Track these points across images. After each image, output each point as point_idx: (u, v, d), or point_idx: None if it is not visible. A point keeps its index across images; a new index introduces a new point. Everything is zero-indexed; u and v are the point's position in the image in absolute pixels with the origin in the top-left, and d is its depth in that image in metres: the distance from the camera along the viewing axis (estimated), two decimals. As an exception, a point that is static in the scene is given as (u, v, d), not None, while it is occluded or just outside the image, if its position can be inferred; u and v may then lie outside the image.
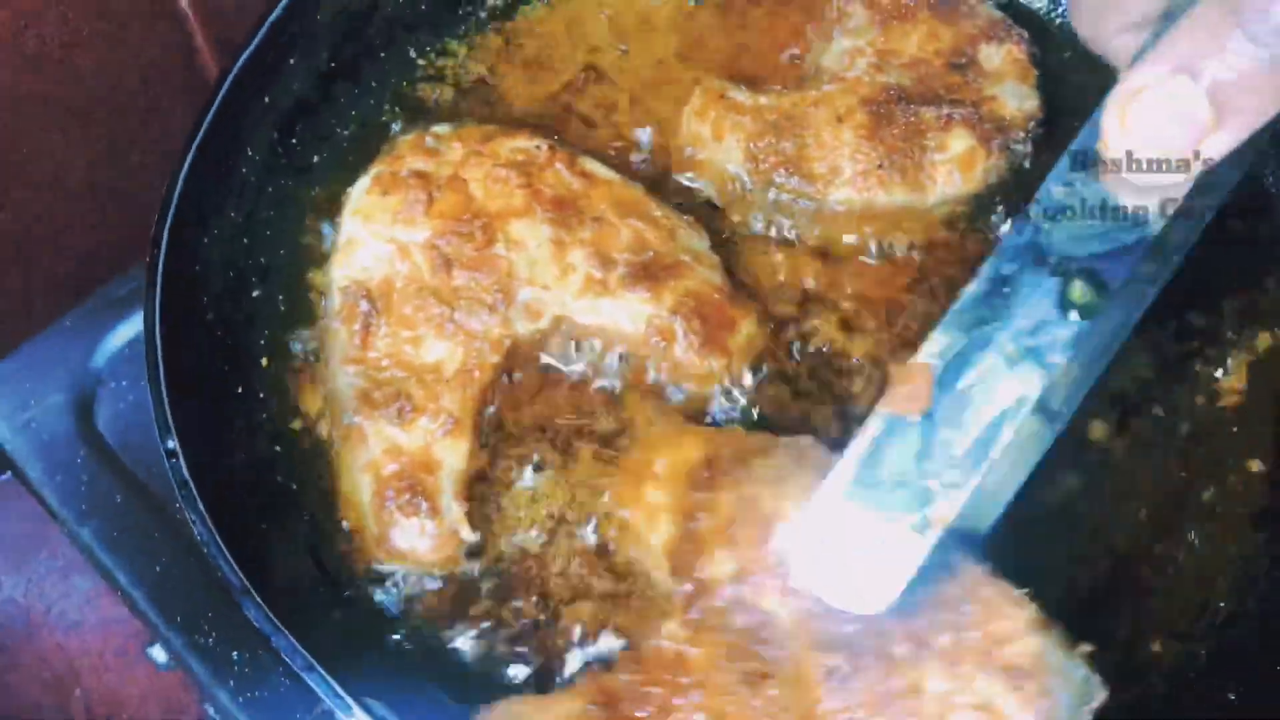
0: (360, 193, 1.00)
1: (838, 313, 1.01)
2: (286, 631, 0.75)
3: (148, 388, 0.85)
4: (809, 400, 0.97)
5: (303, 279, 1.02)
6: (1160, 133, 0.60)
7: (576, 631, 0.88)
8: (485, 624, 0.89)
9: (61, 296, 1.23)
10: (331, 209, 1.05)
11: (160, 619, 0.98)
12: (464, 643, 0.88)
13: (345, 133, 1.11)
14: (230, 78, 0.98)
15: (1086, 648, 0.74)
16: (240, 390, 0.96)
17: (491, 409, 0.95)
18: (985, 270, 0.69)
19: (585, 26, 1.17)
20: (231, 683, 0.95)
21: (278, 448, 0.95)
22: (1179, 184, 0.64)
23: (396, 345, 0.94)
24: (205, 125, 0.95)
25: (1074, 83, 1.10)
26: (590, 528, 0.92)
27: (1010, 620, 0.74)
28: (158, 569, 1.00)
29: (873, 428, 0.72)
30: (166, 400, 0.84)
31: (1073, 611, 0.88)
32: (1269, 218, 1.05)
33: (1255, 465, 0.96)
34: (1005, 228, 1.04)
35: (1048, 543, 0.92)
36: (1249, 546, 0.93)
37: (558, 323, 0.96)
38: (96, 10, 1.16)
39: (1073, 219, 0.67)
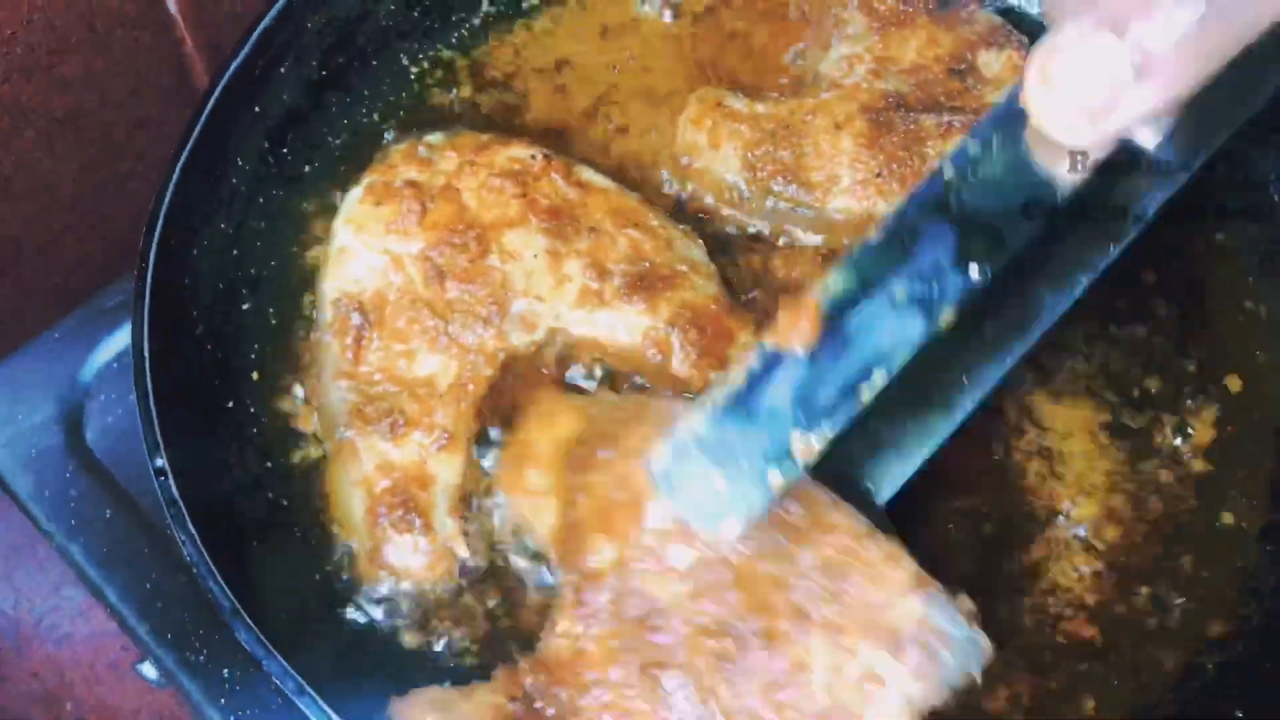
0: (353, 202, 0.99)
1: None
2: (278, 655, 0.74)
3: (136, 403, 0.83)
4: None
5: (293, 291, 1.01)
6: (1079, 86, 0.60)
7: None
8: (481, 641, 0.87)
9: (50, 308, 1.22)
10: (323, 220, 1.03)
11: (150, 636, 0.96)
12: (459, 660, 0.86)
13: (337, 142, 1.09)
14: (220, 85, 0.96)
15: (969, 605, 0.74)
16: (230, 405, 0.95)
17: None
18: (890, 219, 0.69)
19: (578, 36, 1.16)
20: (223, 700, 0.94)
21: (268, 464, 0.94)
22: (1095, 145, 0.63)
23: (389, 359, 0.93)
24: (195, 134, 0.93)
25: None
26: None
27: (890, 582, 0.73)
28: (148, 585, 0.98)
29: (754, 358, 0.72)
30: (155, 417, 0.82)
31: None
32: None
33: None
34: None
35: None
36: (1257, 558, 0.92)
37: (553, 335, 0.95)
38: (84, 19, 1.14)
39: (983, 174, 0.67)
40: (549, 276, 0.95)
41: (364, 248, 0.96)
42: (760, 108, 1.05)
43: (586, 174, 1.01)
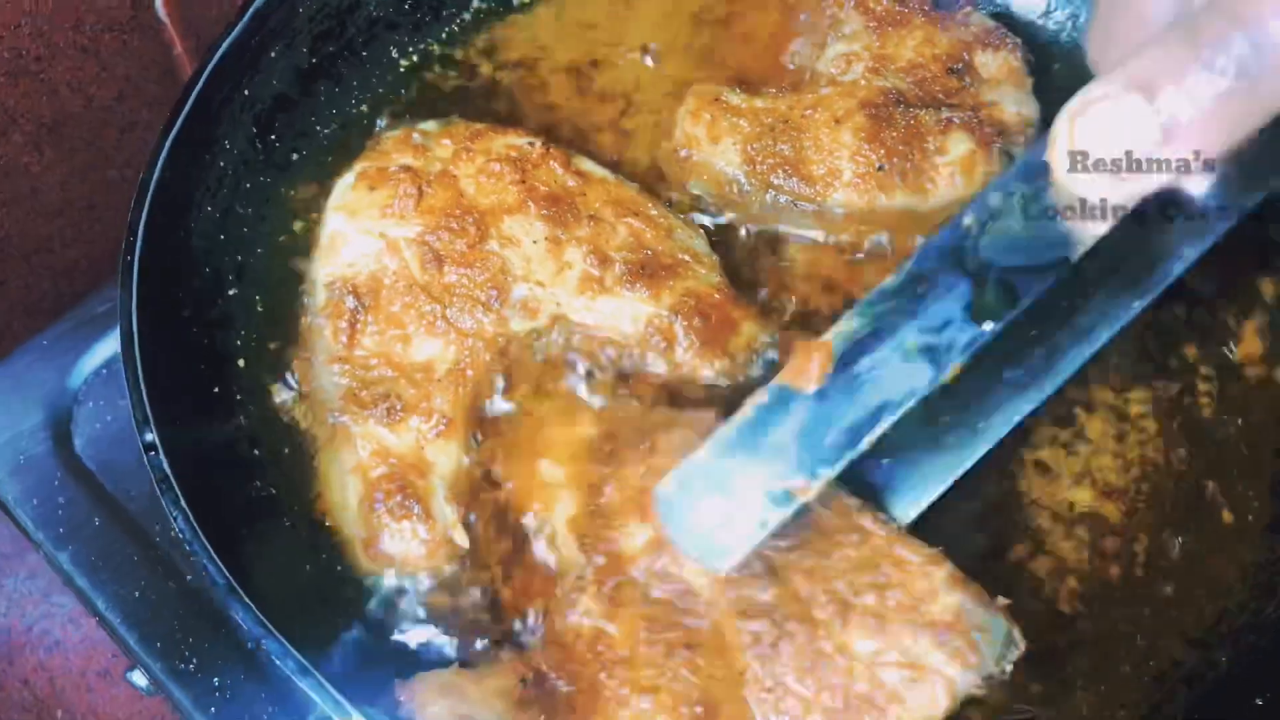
0: (345, 188, 0.97)
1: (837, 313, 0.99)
2: (277, 633, 0.70)
3: (127, 389, 0.80)
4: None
5: (280, 279, 0.98)
6: (1105, 146, 0.60)
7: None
8: (477, 625, 0.84)
9: (38, 314, 1.20)
10: (311, 208, 1.01)
11: (140, 644, 0.94)
12: (461, 645, 0.84)
13: (325, 131, 1.07)
14: (211, 64, 0.95)
15: (1004, 601, 0.77)
16: (217, 391, 0.92)
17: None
18: (908, 264, 0.70)
19: (572, 31, 1.15)
20: (213, 709, 0.91)
21: (256, 451, 0.91)
22: (1119, 202, 0.63)
23: (385, 344, 0.90)
24: (185, 112, 0.92)
25: (1068, 91, 1.09)
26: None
27: (929, 578, 0.76)
28: (136, 593, 0.96)
29: (765, 395, 0.73)
30: (144, 392, 0.79)
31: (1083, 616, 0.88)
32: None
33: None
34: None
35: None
36: (1266, 551, 0.91)
37: (554, 322, 0.93)
38: (72, 23, 1.12)
39: (1003, 226, 0.67)
40: (550, 263, 0.93)
41: (358, 232, 0.94)
42: (759, 103, 1.04)
43: (585, 164, 1.00)
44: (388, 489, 0.85)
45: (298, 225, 1.01)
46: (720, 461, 0.74)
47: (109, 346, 1.09)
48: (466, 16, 1.15)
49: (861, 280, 1.00)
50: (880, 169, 1.00)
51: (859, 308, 0.71)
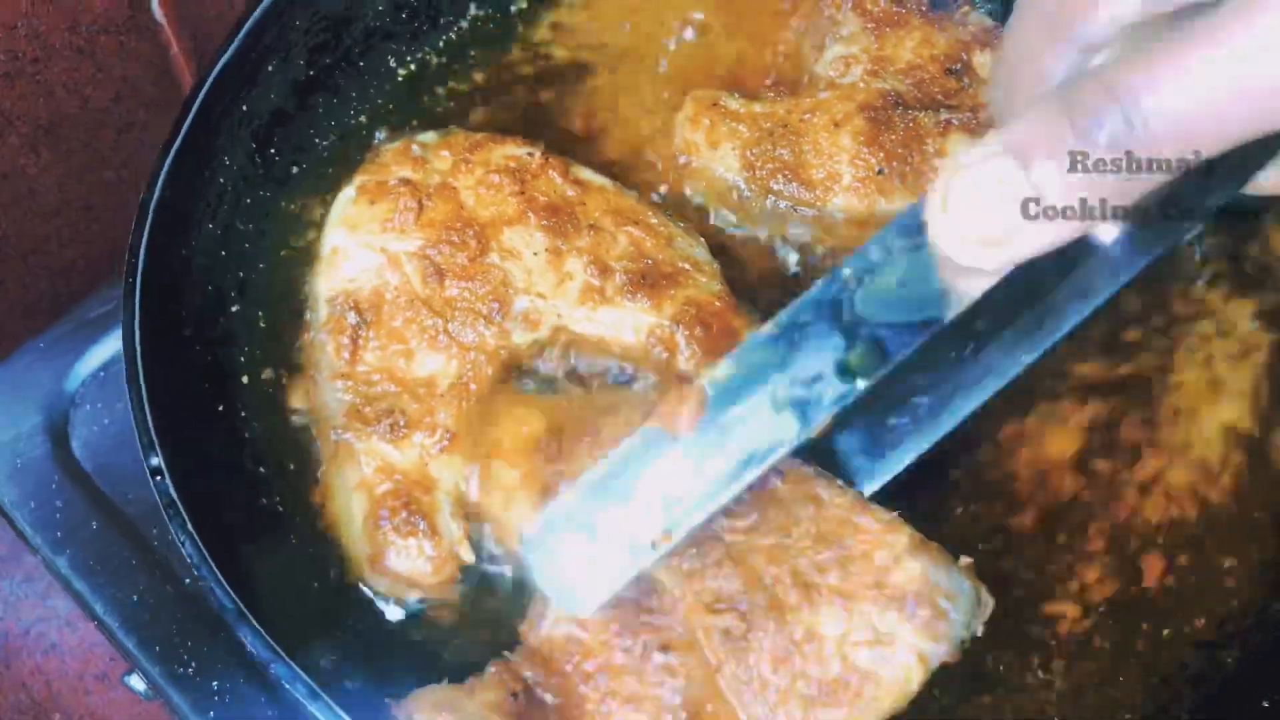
0: (345, 202, 0.96)
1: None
2: (286, 658, 0.70)
3: (129, 406, 0.81)
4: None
5: (283, 294, 0.98)
6: (979, 214, 0.57)
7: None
8: (479, 638, 0.85)
9: (34, 317, 1.19)
10: (311, 222, 1.01)
11: (138, 648, 0.94)
12: (459, 659, 0.84)
13: (324, 144, 1.07)
14: (209, 81, 0.94)
15: (966, 561, 0.75)
16: (221, 409, 0.92)
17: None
18: (783, 314, 0.69)
19: (571, 37, 1.14)
20: (212, 714, 0.92)
21: (261, 469, 0.91)
22: (994, 269, 0.61)
23: (388, 359, 0.90)
24: (185, 126, 0.91)
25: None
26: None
27: (890, 547, 0.75)
28: (135, 597, 0.96)
29: (636, 437, 0.73)
30: (149, 416, 0.79)
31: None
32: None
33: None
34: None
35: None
36: (1273, 550, 0.91)
37: (556, 333, 0.93)
38: (69, 23, 1.12)
39: (880, 281, 0.66)
40: (550, 274, 0.93)
41: (359, 247, 0.94)
42: (757, 107, 1.04)
43: (584, 173, 1.00)
44: (393, 506, 0.85)
45: (298, 239, 1.01)
46: (587, 504, 0.73)
47: (106, 349, 1.08)
48: (463, 25, 1.14)
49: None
50: (880, 172, 1.00)
51: (735, 354, 0.71)
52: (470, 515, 0.86)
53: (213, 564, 0.74)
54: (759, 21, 1.15)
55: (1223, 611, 0.89)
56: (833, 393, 0.67)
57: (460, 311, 0.91)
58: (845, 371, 0.67)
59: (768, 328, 0.69)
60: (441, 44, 1.14)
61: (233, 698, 0.92)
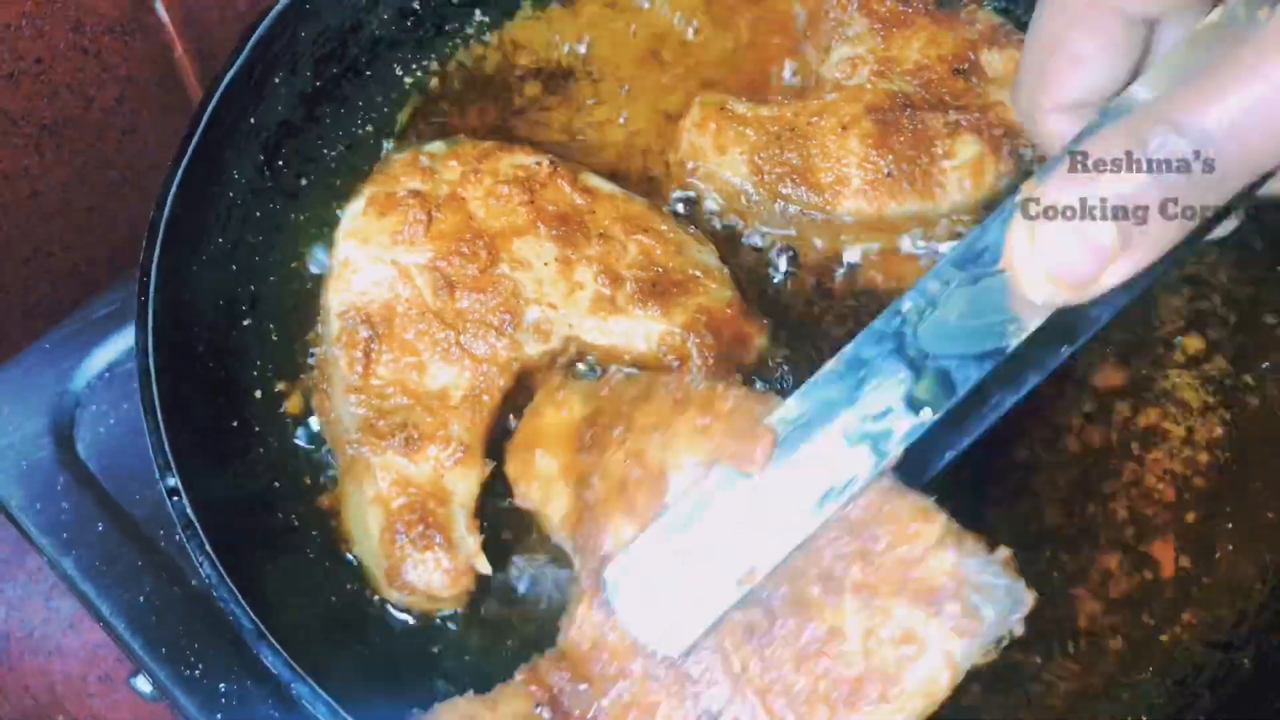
0: (355, 214, 0.96)
1: (848, 324, 1.00)
2: (307, 678, 0.71)
3: (141, 414, 0.81)
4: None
5: (294, 307, 0.98)
6: (1067, 258, 0.58)
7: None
8: (503, 646, 0.86)
9: (39, 318, 1.19)
10: (321, 234, 1.01)
11: (144, 650, 0.94)
12: (481, 668, 0.84)
13: (332, 154, 1.07)
14: (216, 95, 0.94)
15: (1005, 553, 0.69)
16: (235, 424, 0.92)
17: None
18: (848, 350, 0.69)
19: (575, 45, 1.14)
20: (218, 716, 0.91)
21: (276, 483, 0.91)
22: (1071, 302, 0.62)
23: (400, 372, 0.90)
24: (193, 143, 0.91)
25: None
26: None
27: (921, 537, 0.69)
28: (141, 599, 0.96)
29: (711, 478, 0.72)
30: (165, 436, 0.79)
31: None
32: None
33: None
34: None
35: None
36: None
37: (568, 343, 0.93)
38: (72, 25, 1.12)
39: (941, 314, 0.66)
40: (561, 284, 0.93)
41: (369, 259, 0.94)
42: (764, 111, 1.04)
43: (593, 180, 1.00)
44: (409, 519, 0.85)
45: (310, 251, 1.01)
46: (666, 544, 0.72)
47: (112, 350, 1.08)
48: (469, 31, 1.14)
49: (873, 291, 1.01)
50: (889, 175, 1.00)
51: (802, 391, 0.70)
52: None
53: (231, 584, 0.74)
54: (767, 23, 1.14)
55: (1237, 613, 0.89)
56: (904, 425, 0.67)
57: (472, 323, 0.91)
58: (914, 404, 0.67)
59: (832, 364, 0.69)
60: (447, 50, 1.14)
61: (239, 700, 0.91)
